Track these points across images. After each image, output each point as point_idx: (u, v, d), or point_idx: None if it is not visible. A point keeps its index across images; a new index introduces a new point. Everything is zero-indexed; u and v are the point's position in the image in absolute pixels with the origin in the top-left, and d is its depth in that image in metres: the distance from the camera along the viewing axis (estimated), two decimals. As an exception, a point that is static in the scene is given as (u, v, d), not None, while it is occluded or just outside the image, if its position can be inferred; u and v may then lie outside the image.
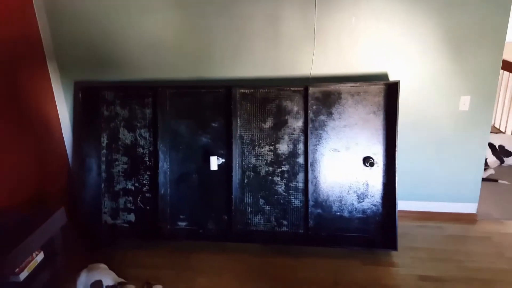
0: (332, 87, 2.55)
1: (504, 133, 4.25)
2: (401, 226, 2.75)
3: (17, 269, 2.04)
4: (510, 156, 3.67)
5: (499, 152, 3.66)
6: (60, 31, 2.74)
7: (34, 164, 2.62)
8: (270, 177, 2.65)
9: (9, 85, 2.39)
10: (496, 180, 3.42)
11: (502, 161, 3.69)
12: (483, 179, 2.81)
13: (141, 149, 2.74)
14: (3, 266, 1.81)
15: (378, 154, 2.57)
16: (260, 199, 2.67)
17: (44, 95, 2.76)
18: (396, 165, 2.48)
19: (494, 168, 3.61)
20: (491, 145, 3.65)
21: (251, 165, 2.66)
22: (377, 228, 2.59)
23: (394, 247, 2.48)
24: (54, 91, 2.84)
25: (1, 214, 2.26)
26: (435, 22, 2.48)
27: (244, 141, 2.65)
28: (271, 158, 2.64)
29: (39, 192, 2.65)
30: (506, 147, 3.66)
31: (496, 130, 4.39)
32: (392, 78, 2.63)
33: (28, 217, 2.22)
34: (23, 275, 2.07)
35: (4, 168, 2.35)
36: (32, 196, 2.59)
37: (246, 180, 2.67)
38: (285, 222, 2.66)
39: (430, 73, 2.60)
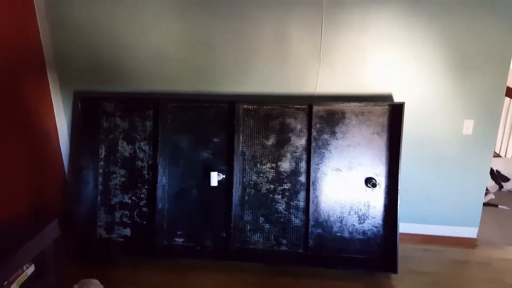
0: (337, 106, 2.54)
1: (500, 156, 4.27)
2: (402, 248, 2.72)
3: (6, 282, 1.96)
4: (507, 181, 3.68)
5: (497, 176, 3.67)
6: (61, 40, 2.71)
7: (30, 174, 2.55)
8: (271, 195, 2.61)
9: (8, 93, 2.34)
10: (496, 205, 3.42)
11: (501, 186, 3.69)
12: (484, 204, 2.79)
13: (140, 162, 2.69)
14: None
15: (380, 175, 2.55)
16: (260, 217, 2.62)
17: (43, 104, 2.70)
18: (399, 187, 2.45)
19: (494, 193, 3.60)
20: (490, 170, 3.66)
21: (252, 182, 2.62)
22: (378, 250, 2.55)
23: (395, 270, 2.44)
24: (53, 101, 2.79)
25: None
26: (441, 45, 2.49)
27: (246, 157, 2.61)
28: (273, 176, 2.61)
29: (34, 203, 2.58)
30: (502, 172, 3.67)
31: (494, 155, 4.42)
32: (396, 99, 2.63)
33: (20, 229, 2.16)
34: (12, 289, 1.99)
35: (-2, 178, 2.28)
36: (27, 207, 2.51)
37: (246, 197, 2.62)
38: (284, 241, 2.61)
39: (435, 96, 2.60)
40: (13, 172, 2.40)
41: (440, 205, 2.81)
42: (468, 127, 2.62)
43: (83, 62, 2.75)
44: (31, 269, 2.15)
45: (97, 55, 2.73)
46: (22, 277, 2.07)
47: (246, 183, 2.62)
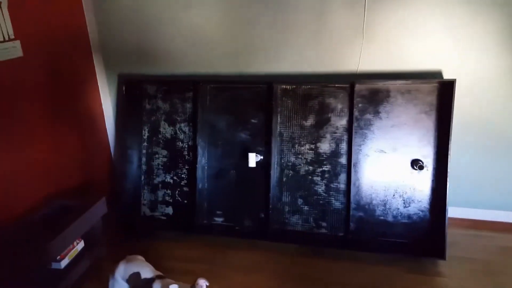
0: (381, 84, 2.41)
1: None
2: (450, 234, 2.57)
3: (59, 257, 2.11)
4: None
5: None
6: (106, 24, 2.79)
7: (78, 154, 2.69)
8: (310, 177, 2.56)
9: (55, 76, 2.46)
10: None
11: None
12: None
13: (180, 143, 2.74)
14: (46, 253, 1.87)
15: (428, 157, 2.40)
16: (299, 199, 2.59)
17: (89, 87, 2.82)
18: (448, 170, 2.30)
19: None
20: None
21: (290, 164, 2.58)
22: (424, 235, 2.43)
23: (443, 256, 2.32)
24: (98, 84, 2.91)
25: (47, 201, 2.34)
26: (498, 15, 2.25)
27: (284, 138, 2.57)
28: (312, 157, 2.55)
29: (82, 181, 2.73)
30: None
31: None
32: (446, 76, 2.44)
33: (71, 206, 2.29)
34: (64, 263, 2.14)
35: (50, 156, 2.42)
36: (76, 185, 2.67)
37: (284, 179, 2.59)
38: (324, 224, 2.57)
39: (490, 72, 2.37)
40: (64, 151, 2.55)
41: (491, 188, 2.62)
42: (529, 105, 2.38)
43: (126, 45, 2.82)
44: (81, 245, 2.29)
45: (140, 38, 2.78)
46: (73, 252, 2.21)
47: (284, 165, 2.59)
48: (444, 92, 2.32)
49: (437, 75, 2.45)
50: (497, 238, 2.58)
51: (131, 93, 2.78)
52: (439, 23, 2.34)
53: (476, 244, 2.52)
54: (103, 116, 2.98)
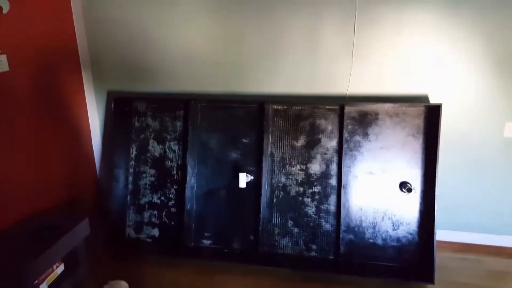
0: (370, 106, 2.46)
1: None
2: (438, 257, 2.57)
3: (36, 282, 1.98)
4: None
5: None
6: (96, 40, 2.78)
7: (63, 171, 2.61)
8: (300, 198, 2.55)
9: (43, 91, 2.41)
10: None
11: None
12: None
13: (169, 162, 2.70)
14: (24, 278, 1.76)
15: (416, 179, 2.44)
16: (289, 221, 2.56)
17: (77, 104, 2.77)
18: (436, 192, 2.33)
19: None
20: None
21: (281, 184, 2.57)
22: (413, 259, 2.43)
23: (431, 281, 2.31)
24: (86, 100, 2.86)
25: (27, 221, 2.23)
26: (481, 42, 2.37)
27: (275, 158, 2.57)
28: (302, 178, 2.54)
29: (66, 200, 2.63)
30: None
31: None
32: (432, 99, 2.52)
33: (53, 226, 2.18)
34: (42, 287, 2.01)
35: (33, 173, 2.34)
36: (59, 203, 2.56)
37: (275, 200, 2.57)
38: (314, 247, 2.53)
39: (474, 97, 2.47)
40: (48, 168, 2.46)
41: (479, 211, 2.66)
42: (510, 129, 2.47)
43: (116, 62, 2.81)
44: (61, 268, 2.17)
45: (130, 55, 2.78)
46: (52, 276, 2.09)
47: (275, 185, 2.57)
48: (430, 115, 2.39)
49: (424, 99, 2.52)
50: (485, 261, 2.60)
51: (120, 110, 2.75)
52: (426, 49, 2.44)
53: (464, 268, 2.53)
54: (90, 133, 2.91)
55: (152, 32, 2.71)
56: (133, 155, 2.75)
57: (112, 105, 2.72)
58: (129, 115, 2.75)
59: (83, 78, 2.82)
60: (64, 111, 2.63)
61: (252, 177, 2.58)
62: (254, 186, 2.57)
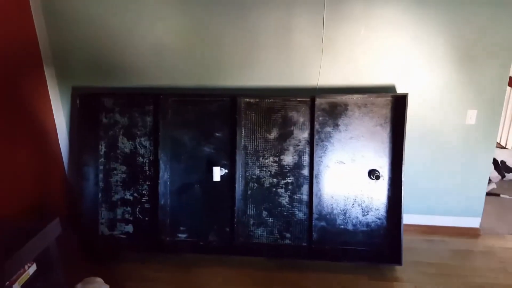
0: (339, 98, 2.51)
1: (506, 148, 4.27)
2: (406, 240, 2.71)
3: (7, 283, 1.94)
4: (511, 172, 3.67)
5: (502, 167, 3.66)
6: (58, 35, 2.65)
7: (29, 172, 2.51)
8: (274, 189, 2.59)
9: (4, 90, 2.29)
10: (498, 195, 3.42)
11: (503, 176, 3.69)
12: (486, 194, 2.79)
13: (140, 158, 2.66)
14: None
15: (384, 167, 2.53)
16: (263, 211, 2.60)
17: (40, 101, 2.65)
18: (403, 179, 2.44)
19: (496, 183, 3.60)
20: (493, 160, 3.65)
21: (254, 176, 2.60)
22: (382, 242, 2.55)
23: (399, 262, 2.44)
24: (51, 97, 2.74)
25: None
26: (444, 35, 2.46)
27: (248, 151, 2.59)
28: (276, 170, 2.58)
29: (35, 202, 2.55)
30: (508, 163, 3.67)
31: (499, 146, 4.40)
32: (399, 90, 2.60)
33: (21, 227, 2.12)
34: (14, 289, 1.97)
35: (-3, 177, 2.24)
36: (27, 205, 2.48)
37: (249, 192, 2.60)
38: (288, 235, 2.60)
39: (438, 86, 2.57)
40: (12, 170, 2.37)
41: (443, 195, 2.81)
42: (471, 117, 2.60)
43: (80, 57, 2.70)
44: (33, 268, 2.12)
45: (95, 49, 2.67)
46: (24, 277, 2.04)
47: (249, 178, 2.60)
48: (397, 105, 2.48)
49: (391, 89, 2.60)
50: (449, 242, 2.77)
51: (86, 106, 2.66)
52: (392, 41, 2.51)
53: (430, 249, 2.69)
54: (56, 131, 2.81)
55: (118, 25, 2.61)
56: (102, 152, 2.68)
57: (78, 102, 2.63)
58: (96, 112, 2.67)
59: (46, 74, 2.70)
60: (27, 109, 2.51)
61: (226, 171, 2.59)
62: (229, 179, 2.59)
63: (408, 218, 2.86)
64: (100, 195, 2.69)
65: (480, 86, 2.54)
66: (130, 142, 2.66)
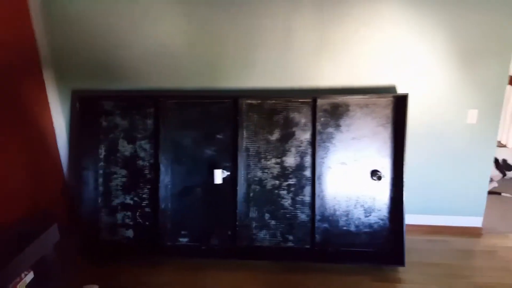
0: (341, 99, 2.51)
1: (507, 147, 4.29)
2: (408, 240, 2.70)
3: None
4: (512, 170, 3.71)
5: (503, 166, 3.68)
6: (57, 37, 2.63)
7: (27, 177, 2.47)
8: (276, 191, 2.57)
9: (2, 93, 2.26)
10: (499, 193, 3.43)
11: (504, 175, 3.71)
12: (487, 192, 2.80)
13: (141, 161, 2.63)
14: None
15: (385, 168, 2.53)
16: (266, 214, 2.58)
17: (39, 104, 2.62)
18: (404, 179, 2.43)
19: (497, 181, 3.62)
20: (494, 159, 3.66)
21: (256, 179, 2.58)
22: (384, 243, 2.54)
23: (402, 263, 2.43)
24: (49, 100, 2.71)
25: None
26: (444, 35, 2.48)
27: (250, 153, 2.57)
28: (278, 171, 2.57)
29: (33, 207, 2.50)
30: (509, 161, 3.69)
31: (500, 145, 4.42)
32: (400, 90, 2.61)
33: (18, 235, 2.09)
34: (11, 297, 1.93)
35: (-4, 182, 2.20)
36: (25, 211, 2.43)
37: (251, 194, 2.58)
38: (291, 237, 2.58)
39: (439, 86, 2.59)
40: (10, 174, 2.33)
41: (445, 195, 2.81)
42: (472, 116, 2.61)
43: (80, 59, 2.68)
44: (30, 276, 2.08)
45: (95, 52, 2.66)
46: (21, 285, 2.01)
47: (251, 180, 2.58)
48: (398, 105, 2.48)
49: (391, 89, 2.61)
50: (452, 242, 2.76)
51: (86, 109, 2.63)
52: (394, 42, 2.52)
53: (432, 249, 2.68)
54: (55, 134, 2.77)
55: (117, 28, 2.60)
56: (102, 156, 2.65)
57: (77, 105, 2.60)
58: (96, 115, 2.64)
59: (45, 78, 2.67)
60: (25, 112, 2.48)
61: (228, 173, 2.57)
62: (230, 181, 2.57)
63: (410, 218, 2.86)
64: (100, 199, 2.65)
65: (480, 86, 2.56)
66: (131, 145, 2.63)
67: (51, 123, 2.74)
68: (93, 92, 2.74)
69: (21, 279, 2.02)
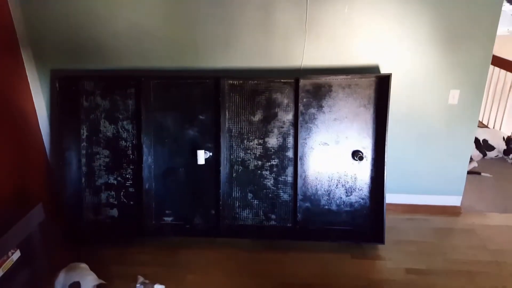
0: (323, 79, 2.50)
1: (488, 127, 4.33)
2: (388, 219, 2.76)
3: (-10, 269, 1.93)
4: (493, 150, 3.73)
5: (483, 146, 3.72)
6: (35, 15, 2.56)
7: (10, 159, 2.46)
8: (259, 171, 2.60)
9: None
10: (479, 173, 3.49)
11: (484, 155, 3.75)
12: (467, 172, 2.84)
13: (123, 142, 2.63)
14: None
15: (367, 148, 2.55)
16: (249, 193, 2.62)
17: (18, 85, 2.58)
18: (386, 159, 2.46)
19: (477, 161, 3.67)
20: (475, 140, 3.70)
21: (239, 159, 2.59)
22: (365, 222, 2.59)
23: (382, 241, 2.49)
24: (29, 81, 2.66)
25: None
26: (427, 16, 2.45)
27: (233, 134, 2.58)
28: (260, 152, 2.58)
29: (17, 188, 2.51)
30: (489, 142, 3.72)
31: (481, 125, 4.46)
32: (383, 71, 2.60)
33: (3, 215, 2.11)
34: (-3, 275, 1.97)
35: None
36: (8, 193, 2.44)
37: (234, 174, 2.61)
38: (273, 216, 2.62)
39: (421, 67, 2.58)
40: (-8, 156, 2.32)
41: (425, 175, 2.85)
42: (453, 96, 2.62)
43: (59, 38, 2.62)
44: (16, 255, 2.11)
45: (74, 31, 2.60)
46: (8, 263, 2.04)
47: (234, 160, 2.60)
48: (381, 86, 2.48)
49: (374, 69, 2.60)
50: (431, 220, 2.83)
51: (66, 90, 2.60)
52: (376, 21, 2.48)
53: (412, 227, 2.74)
54: (36, 116, 2.74)
55: (97, 5, 2.53)
56: (84, 136, 2.64)
57: (57, 85, 2.56)
58: (76, 95, 2.62)
59: (23, 58, 2.61)
60: (4, 96, 2.44)
61: (211, 154, 2.58)
62: (213, 162, 2.58)
63: (390, 198, 2.91)
64: (83, 179, 2.67)
65: (462, 66, 2.55)
66: (112, 126, 2.62)
67: (32, 103, 2.70)
68: (72, 72, 2.69)
69: (8, 257, 2.05)
